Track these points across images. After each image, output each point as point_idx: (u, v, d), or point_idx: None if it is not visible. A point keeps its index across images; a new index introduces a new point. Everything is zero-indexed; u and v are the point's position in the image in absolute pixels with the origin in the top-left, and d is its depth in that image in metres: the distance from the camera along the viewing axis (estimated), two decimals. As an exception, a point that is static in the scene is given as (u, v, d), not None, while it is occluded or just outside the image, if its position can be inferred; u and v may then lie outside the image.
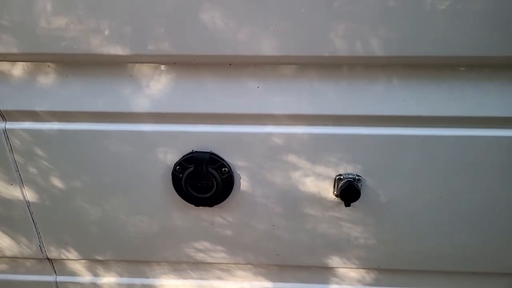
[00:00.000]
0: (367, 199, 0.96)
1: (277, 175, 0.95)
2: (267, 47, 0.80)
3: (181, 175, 0.94)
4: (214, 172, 0.93)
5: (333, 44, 0.78)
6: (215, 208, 0.99)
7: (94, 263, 1.17)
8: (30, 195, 1.02)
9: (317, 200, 0.97)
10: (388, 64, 0.83)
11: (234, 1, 0.76)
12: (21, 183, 1.00)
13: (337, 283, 1.15)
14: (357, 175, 0.93)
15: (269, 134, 0.91)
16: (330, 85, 0.86)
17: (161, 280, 1.19)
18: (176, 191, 0.97)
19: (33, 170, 0.98)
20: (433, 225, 1.00)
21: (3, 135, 0.94)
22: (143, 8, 0.77)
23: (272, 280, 1.16)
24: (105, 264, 1.17)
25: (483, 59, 0.80)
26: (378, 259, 1.07)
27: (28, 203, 1.04)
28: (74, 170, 0.98)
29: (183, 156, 0.93)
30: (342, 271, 1.13)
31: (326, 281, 1.15)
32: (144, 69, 0.87)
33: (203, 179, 0.94)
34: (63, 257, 1.13)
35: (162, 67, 0.86)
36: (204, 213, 1.02)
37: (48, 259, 1.15)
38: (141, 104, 0.89)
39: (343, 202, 0.94)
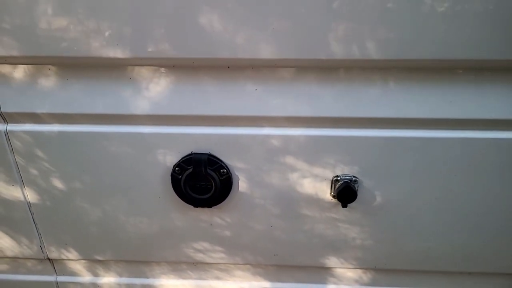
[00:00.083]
0: (363, 200, 0.96)
1: (275, 177, 0.95)
2: (265, 50, 0.80)
3: (180, 177, 0.95)
4: (212, 173, 0.94)
5: (330, 47, 0.79)
6: (214, 209, 1.00)
7: (94, 263, 1.17)
8: (31, 196, 1.02)
9: (314, 201, 0.98)
10: (384, 67, 0.84)
11: (232, 5, 0.76)
12: (22, 184, 1.01)
13: (335, 283, 1.15)
14: (354, 177, 0.94)
15: (267, 136, 0.91)
16: (327, 88, 0.86)
17: (160, 280, 1.19)
18: (175, 192, 0.97)
19: (34, 171, 0.99)
20: (429, 226, 1.00)
21: (5, 137, 0.94)
22: (142, 12, 0.78)
23: (270, 280, 1.16)
24: (105, 264, 1.17)
25: (480, 62, 0.80)
26: (374, 259, 1.07)
27: (29, 204, 1.04)
28: (75, 171, 0.98)
29: (182, 158, 0.94)
30: (340, 271, 1.13)
31: (323, 281, 1.15)
32: (144, 71, 0.87)
33: (201, 181, 0.95)
34: (64, 257, 1.13)
35: (161, 70, 0.87)
36: (203, 214, 1.02)
37: (48, 259, 1.15)
38: (140, 106, 0.89)
39: (340, 203, 0.94)
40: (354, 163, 0.93)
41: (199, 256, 1.10)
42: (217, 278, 1.18)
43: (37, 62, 0.87)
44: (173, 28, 0.79)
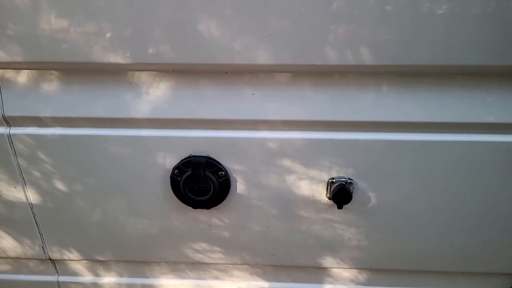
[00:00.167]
0: (358, 201, 0.97)
1: (272, 179, 0.96)
2: (262, 56, 0.80)
3: (179, 179, 0.95)
4: (211, 175, 0.94)
5: (325, 53, 0.79)
6: (212, 210, 1.00)
7: (95, 263, 1.17)
8: (33, 197, 1.03)
9: (310, 202, 0.98)
10: (378, 72, 0.84)
11: (230, 13, 0.77)
12: (24, 185, 1.01)
13: (331, 283, 1.16)
14: (349, 179, 0.94)
15: (264, 139, 0.91)
16: (322, 92, 0.87)
17: (160, 280, 1.19)
18: (175, 194, 0.98)
19: (36, 173, 0.99)
20: (422, 226, 1.01)
21: (8, 140, 0.95)
22: (142, 19, 0.79)
23: (268, 280, 1.17)
24: (106, 264, 1.17)
25: (473, 67, 0.81)
26: (370, 260, 1.07)
27: (31, 205, 1.04)
28: (76, 173, 0.98)
29: (181, 160, 0.94)
30: (336, 271, 1.13)
31: (320, 281, 1.15)
32: (144, 76, 0.88)
33: (200, 183, 0.95)
34: (65, 257, 1.14)
35: (161, 74, 0.87)
36: (201, 215, 1.02)
37: (50, 259, 1.15)
38: (140, 110, 0.90)
39: (335, 205, 0.95)
40: (349, 165, 0.93)
41: (198, 257, 1.10)
42: (216, 278, 1.18)
43: (39, 67, 0.87)
44: (173, 34, 0.80)
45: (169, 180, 0.96)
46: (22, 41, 0.82)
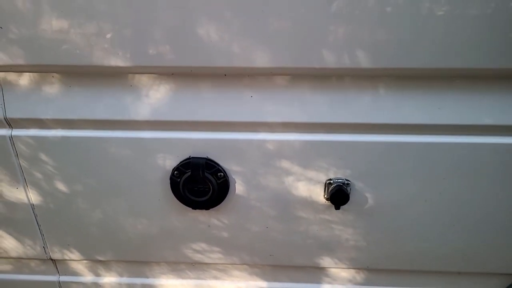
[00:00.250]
0: (355, 202, 0.97)
1: (271, 180, 0.96)
2: (260, 59, 0.81)
3: (178, 180, 0.95)
4: (210, 177, 0.95)
5: (323, 56, 0.80)
6: (212, 211, 1.00)
7: (96, 263, 1.17)
8: (34, 198, 1.03)
9: (308, 203, 0.99)
10: (376, 75, 0.85)
11: (228, 16, 0.77)
12: (26, 186, 1.01)
13: (329, 283, 1.16)
14: (346, 180, 0.95)
15: (263, 141, 0.92)
16: (320, 95, 0.87)
17: (160, 280, 1.19)
18: (174, 195, 0.98)
19: (37, 174, 0.99)
20: (419, 227, 1.01)
21: (10, 142, 0.95)
22: (143, 23, 0.79)
23: (267, 279, 1.17)
24: (106, 264, 1.17)
25: (472, 70, 0.81)
26: (367, 260, 1.08)
27: (32, 206, 1.04)
28: (77, 174, 0.99)
29: (180, 162, 0.95)
30: (334, 271, 1.13)
31: (318, 281, 1.15)
32: (144, 79, 0.88)
33: (199, 184, 0.96)
34: (66, 257, 1.14)
35: (161, 77, 0.88)
36: (201, 215, 1.03)
37: (51, 259, 1.16)
38: (140, 112, 0.90)
39: (333, 205, 0.95)
40: (347, 167, 0.94)
41: (198, 257, 1.10)
42: (215, 278, 1.18)
43: (41, 70, 0.88)
44: (173, 38, 0.80)
45: (169, 181, 0.97)
46: (24, 45, 0.83)
